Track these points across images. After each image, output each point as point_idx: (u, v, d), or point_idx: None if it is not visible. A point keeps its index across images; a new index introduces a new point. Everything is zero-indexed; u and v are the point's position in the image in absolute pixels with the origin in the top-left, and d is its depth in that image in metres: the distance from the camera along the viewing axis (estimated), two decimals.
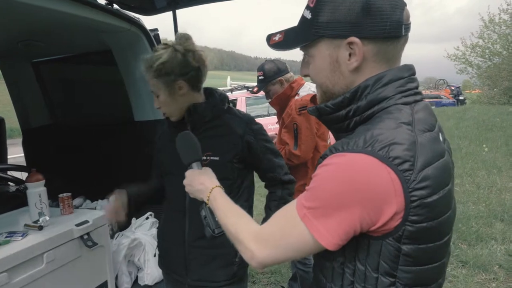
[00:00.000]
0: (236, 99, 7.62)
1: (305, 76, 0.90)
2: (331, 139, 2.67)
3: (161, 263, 1.62)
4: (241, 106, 7.54)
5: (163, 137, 1.59)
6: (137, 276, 2.17)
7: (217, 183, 1.06)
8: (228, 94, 7.99)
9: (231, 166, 1.41)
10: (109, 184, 2.56)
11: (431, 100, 26.25)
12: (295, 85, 2.59)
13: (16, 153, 3.78)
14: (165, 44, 1.37)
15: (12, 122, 3.40)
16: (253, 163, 1.48)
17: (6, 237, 1.59)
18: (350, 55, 0.78)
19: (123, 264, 2.06)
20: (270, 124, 6.86)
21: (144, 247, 2.10)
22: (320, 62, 0.83)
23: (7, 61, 3.02)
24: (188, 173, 1.12)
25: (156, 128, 1.70)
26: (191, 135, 1.19)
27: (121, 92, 2.47)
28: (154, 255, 2.09)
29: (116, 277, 2.05)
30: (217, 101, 1.46)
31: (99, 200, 2.49)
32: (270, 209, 1.53)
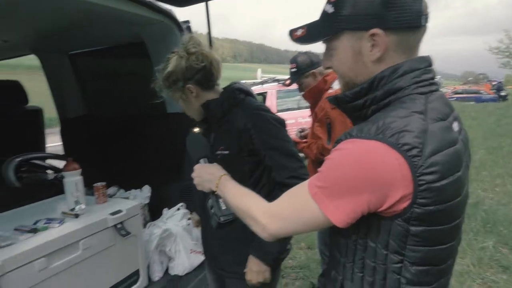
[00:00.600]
0: (266, 92, 7.57)
1: (327, 68, 0.94)
2: None
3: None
4: (271, 99, 7.48)
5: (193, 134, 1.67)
6: (167, 266, 2.20)
7: (225, 172, 1.11)
8: (259, 87, 7.95)
9: (241, 159, 1.41)
10: (141, 174, 2.63)
11: (469, 95, 25.21)
12: (329, 78, 2.52)
13: (54, 142, 3.91)
14: (172, 52, 1.43)
15: (50, 112, 3.50)
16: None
17: (45, 223, 1.64)
18: (372, 46, 0.82)
19: (154, 254, 2.09)
20: (301, 118, 6.76)
21: (175, 238, 2.12)
22: (342, 54, 0.86)
23: (46, 53, 3.13)
24: (196, 166, 1.18)
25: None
26: (199, 137, 1.29)
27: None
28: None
29: (148, 266, 2.08)
30: (226, 97, 1.47)
31: (132, 190, 2.53)
32: None
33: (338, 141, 0.81)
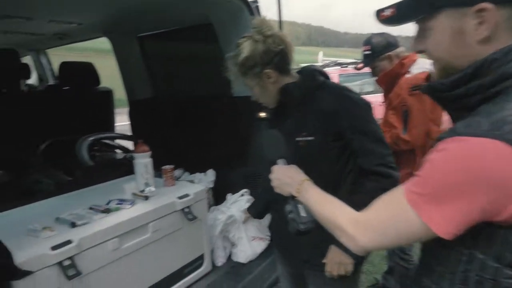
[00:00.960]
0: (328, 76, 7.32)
1: (419, 52, 0.83)
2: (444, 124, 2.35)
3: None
4: None
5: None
6: (230, 252, 2.18)
7: (306, 177, 1.04)
8: None
9: (327, 144, 1.31)
10: (206, 158, 2.63)
11: None
12: (407, 61, 2.30)
13: (120, 122, 4.06)
14: (244, 37, 1.33)
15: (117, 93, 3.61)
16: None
17: (117, 203, 1.67)
18: (479, 23, 0.70)
19: (218, 239, 2.08)
20: None
21: (239, 225, 2.09)
22: (439, 35, 0.76)
23: (116, 36, 3.21)
24: (275, 168, 1.11)
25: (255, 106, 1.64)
26: (276, 135, 1.18)
27: (221, 67, 2.45)
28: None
29: (212, 251, 2.07)
30: (306, 79, 1.38)
31: (197, 173, 2.54)
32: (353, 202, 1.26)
33: (439, 139, 0.70)
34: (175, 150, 2.76)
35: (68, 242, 1.34)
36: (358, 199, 1.09)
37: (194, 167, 2.60)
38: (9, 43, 3.68)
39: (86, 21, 2.83)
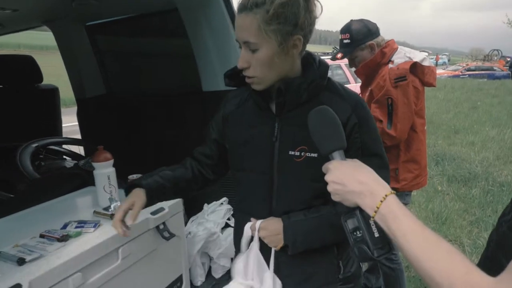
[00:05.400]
0: None
1: None
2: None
3: None
4: None
5: (238, 115, 1.18)
6: (209, 267, 1.93)
7: (387, 186, 0.75)
8: None
9: None
10: (172, 162, 2.33)
11: (482, 72, 24.52)
12: (387, 50, 2.17)
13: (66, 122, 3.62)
14: None
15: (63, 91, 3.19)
16: None
17: (76, 227, 1.36)
18: None
19: (197, 256, 1.82)
20: None
21: (220, 240, 1.84)
22: None
23: (59, 24, 2.78)
24: (334, 166, 0.81)
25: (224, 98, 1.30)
26: (331, 112, 0.86)
27: (188, 59, 2.17)
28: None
29: (189, 270, 1.81)
30: (317, 75, 1.06)
31: None
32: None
33: None
34: (135, 155, 2.43)
35: (17, 287, 1.02)
36: None
37: None
38: None
39: (22, 7, 2.40)
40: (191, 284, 1.81)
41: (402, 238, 0.66)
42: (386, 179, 1.04)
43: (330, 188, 0.80)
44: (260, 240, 1.11)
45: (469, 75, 24.38)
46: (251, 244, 1.14)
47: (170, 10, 2.13)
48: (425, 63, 2.10)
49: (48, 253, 1.18)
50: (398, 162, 2.18)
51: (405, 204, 2.24)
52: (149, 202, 1.18)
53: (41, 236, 1.29)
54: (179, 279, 1.69)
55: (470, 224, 3.71)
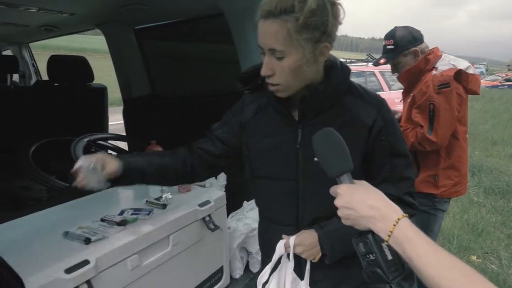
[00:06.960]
0: None
1: None
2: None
3: None
4: None
5: (258, 122, 1.13)
6: (247, 261, 2.00)
7: (399, 209, 0.73)
8: None
9: (358, 171, 0.97)
10: None
11: None
12: (432, 57, 2.17)
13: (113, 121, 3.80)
14: None
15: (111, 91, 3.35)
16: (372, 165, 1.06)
17: (132, 214, 1.46)
18: None
19: (236, 250, 1.89)
20: None
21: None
22: None
23: (110, 27, 2.95)
24: (343, 190, 0.79)
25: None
26: (336, 134, 0.83)
27: (232, 63, 2.25)
28: None
29: (229, 263, 1.88)
30: (341, 78, 1.03)
31: None
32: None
33: None
34: None
35: (85, 262, 1.12)
36: None
37: None
38: None
39: (78, 10, 2.58)
40: (230, 276, 1.88)
41: (417, 260, 0.65)
42: (412, 175, 1.09)
43: (340, 213, 0.79)
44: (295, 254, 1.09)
45: (509, 85, 23.42)
46: (282, 260, 1.12)
47: (216, 15, 2.23)
48: (470, 71, 2.09)
49: (110, 235, 1.29)
50: (438, 168, 2.17)
51: (443, 211, 2.22)
52: (122, 179, 1.10)
53: (102, 220, 1.40)
54: (220, 270, 1.77)
55: (508, 237, 3.59)
